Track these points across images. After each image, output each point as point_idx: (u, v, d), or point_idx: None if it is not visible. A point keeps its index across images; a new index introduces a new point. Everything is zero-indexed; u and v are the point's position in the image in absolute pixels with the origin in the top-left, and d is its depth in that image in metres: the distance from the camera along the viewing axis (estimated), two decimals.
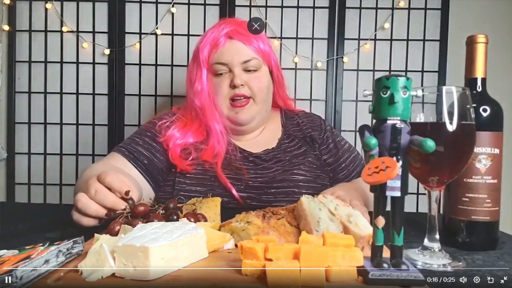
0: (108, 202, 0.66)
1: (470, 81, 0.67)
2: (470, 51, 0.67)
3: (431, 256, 0.58)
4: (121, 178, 0.69)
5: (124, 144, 1.05)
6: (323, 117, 1.40)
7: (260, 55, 1.07)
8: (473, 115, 0.57)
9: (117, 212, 0.65)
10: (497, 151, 0.65)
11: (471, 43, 0.67)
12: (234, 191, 1.00)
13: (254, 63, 1.06)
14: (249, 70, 1.06)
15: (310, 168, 1.07)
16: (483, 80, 0.67)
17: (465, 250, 0.65)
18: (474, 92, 0.66)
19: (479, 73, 0.67)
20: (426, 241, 0.59)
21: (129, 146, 1.04)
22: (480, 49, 0.66)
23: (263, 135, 1.16)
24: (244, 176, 1.03)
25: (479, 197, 0.65)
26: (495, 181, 0.65)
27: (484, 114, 0.65)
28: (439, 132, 0.55)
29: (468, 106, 0.57)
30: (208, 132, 1.08)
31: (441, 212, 0.69)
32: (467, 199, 0.65)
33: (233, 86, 1.05)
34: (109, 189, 0.67)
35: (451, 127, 0.55)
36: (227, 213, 0.72)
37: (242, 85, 1.04)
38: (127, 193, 0.66)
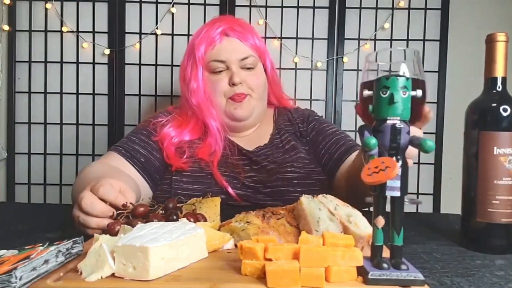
0: (103, 213, 0.64)
1: (491, 81, 0.66)
2: (489, 49, 0.65)
3: None
4: (115, 186, 0.68)
5: (121, 143, 1.06)
6: (323, 117, 1.39)
7: (255, 51, 1.09)
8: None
9: (117, 212, 0.65)
10: None
11: (490, 41, 0.65)
12: (230, 189, 1.00)
13: (251, 61, 1.07)
14: (247, 68, 1.07)
15: (303, 164, 1.07)
16: (504, 79, 0.65)
17: (489, 253, 0.63)
18: (494, 91, 0.65)
19: (499, 72, 0.65)
20: None
21: (126, 144, 1.04)
22: (500, 48, 0.64)
23: (256, 132, 1.15)
24: (240, 175, 1.03)
25: (510, 199, 0.63)
26: None
27: (505, 114, 0.63)
28: None
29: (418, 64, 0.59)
30: (205, 131, 1.09)
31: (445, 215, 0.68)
32: (497, 202, 0.63)
33: (232, 84, 1.05)
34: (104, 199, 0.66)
35: None
36: (227, 213, 0.72)
37: (240, 83, 1.05)
38: (124, 205, 0.65)
